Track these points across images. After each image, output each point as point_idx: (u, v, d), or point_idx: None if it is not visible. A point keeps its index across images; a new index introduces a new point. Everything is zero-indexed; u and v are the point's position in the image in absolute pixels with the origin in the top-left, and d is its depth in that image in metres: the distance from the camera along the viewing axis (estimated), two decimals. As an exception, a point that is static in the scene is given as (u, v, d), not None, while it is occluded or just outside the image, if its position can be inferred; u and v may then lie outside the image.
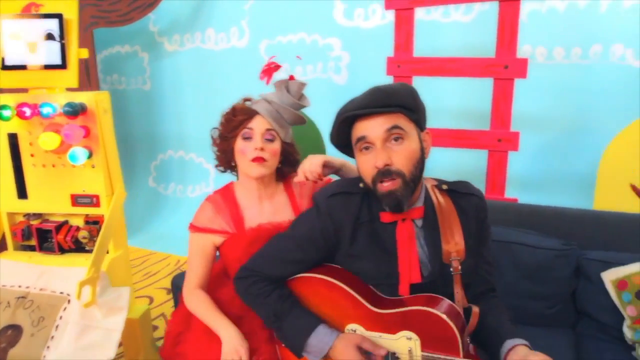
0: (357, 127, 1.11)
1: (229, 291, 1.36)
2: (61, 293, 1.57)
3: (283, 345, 1.21)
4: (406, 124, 1.09)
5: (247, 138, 1.33)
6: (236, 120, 1.34)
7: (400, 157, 1.07)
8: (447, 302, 1.09)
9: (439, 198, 1.18)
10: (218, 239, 1.38)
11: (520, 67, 1.98)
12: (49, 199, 1.69)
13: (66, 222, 1.73)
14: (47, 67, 1.61)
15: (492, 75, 2.04)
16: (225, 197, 1.40)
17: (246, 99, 1.41)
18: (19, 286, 1.60)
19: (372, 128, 1.07)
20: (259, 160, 1.31)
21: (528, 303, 1.66)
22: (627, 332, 1.48)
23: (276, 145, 1.35)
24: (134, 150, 4.17)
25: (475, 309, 1.10)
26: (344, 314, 1.15)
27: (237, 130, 1.34)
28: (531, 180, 2.53)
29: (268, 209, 1.41)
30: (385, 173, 1.06)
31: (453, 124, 2.32)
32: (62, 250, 1.71)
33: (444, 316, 1.03)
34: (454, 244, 1.14)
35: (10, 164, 1.68)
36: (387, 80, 2.26)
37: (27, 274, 1.63)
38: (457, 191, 1.20)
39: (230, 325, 1.31)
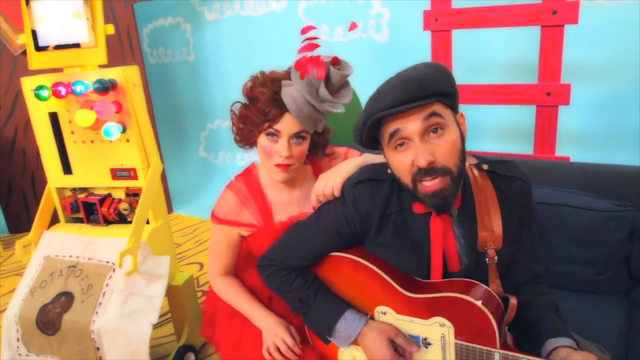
0: (389, 122, 0.97)
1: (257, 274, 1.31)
2: (107, 262, 1.66)
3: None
4: (444, 111, 0.96)
5: (273, 136, 1.18)
6: (260, 114, 1.17)
7: (444, 152, 0.94)
8: (483, 288, 1.01)
9: (477, 180, 1.06)
10: (245, 231, 1.31)
11: (571, 12, 1.79)
12: (91, 174, 1.76)
13: (109, 195, 1.81)
14: (77, 45, 1.65)
15: (539, 23, 1.87)
16: (250, 185, 1.30)
17: (278, 77, 1.20)
18: (70, 256, 1.71)
19: (407, 121, 0.94)
20: (283, 167, 1.19)
21: (577, 269, 1.56)
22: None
23: (305, 145, 1.22)
24: (184, 122, 4.28)
25: (513, 301, 0.99)
26: (372, 297, 1.10)
27: (261, 127, 1.18)
28: (586, 137, 2.32)
29: (297, 197, 1.31)
30: (428, 171, 0.94)
31: (499, 79, 2.17)
32: (107, 222, 1.80)
33: (479, 303, 0.96)
34: (491, 231, 1.03)
35: (54, 141, 1.76)
36: (428, 36, 2.13)
37: (76, 244, 1.73)
38: (499, 173, 1.07)
39: (264, 312, 1.29)
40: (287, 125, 1.17)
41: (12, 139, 3.34)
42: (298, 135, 1.19)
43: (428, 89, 0.93)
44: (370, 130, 1.01)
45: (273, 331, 1.24)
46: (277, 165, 1.19)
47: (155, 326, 2.14)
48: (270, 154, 1.19)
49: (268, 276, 1.20)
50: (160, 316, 2.19)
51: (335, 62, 1.15)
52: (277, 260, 1.18)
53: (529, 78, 2.11)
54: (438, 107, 0.96)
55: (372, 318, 1.11)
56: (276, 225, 1.28)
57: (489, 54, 2.47)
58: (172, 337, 2.08)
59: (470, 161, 1.11)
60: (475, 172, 1.08)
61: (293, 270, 1.17)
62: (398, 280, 1.07)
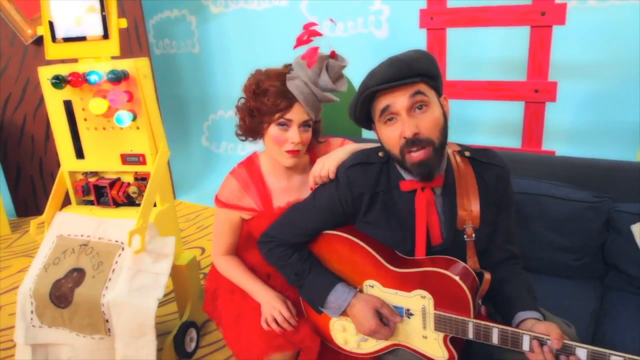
0: (379, 99, 1.10)
1: (258, 252, 1.40)
2: (116, 241, 1.77)
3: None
4: (428, 90, 1.09)
5: (283, 125, 1.28)
6: (272, 106, 1.26)
7: (428, 125, 1.06)
8: (462, 264, 1.12)
9: (459, 164, 1.18)
10: (245, 215, 1.41)
11: (559, 13, 1.89)
12: (102, 159, 1.87)
13: (119, 179, 1.92)
14: (92, 38, 1.75)
15: (528, 23, 1.97)
16: (251, 171, 1.40)
17: (280, 71, 1.31)
18: (81, 235, 1.82)
19: (395, 98, 1.07)
20: (294, 153, 1.29)
21: (556, 255, 1.67)
22: (654, 284, 1.46)
23: (310, 133, 1.33)
24: (187, 112, 4.38)
25: (487, 276, 1.11)
26: (362, 271, 1.21)
27: (272, 117, 1.28)
28: (572, 133, 2.43)
29: (296, 184, 1.41)
30: (414, 142, 1.05)
31: (491, 76, 2.27)
32: (117, 204, 1.91)
33: (457, 278, 1.06)
34: (470, 210, 1.15)
35: (67, 128, 1.86)
36: (425, 33, 2.23)
37: (87, 224, 1.84)
38: (479, 160, 1.19)
39: (263, 287, 1.39)
40: (297, 114, 1.28)
41: (21, 125, 3.44)
42: (306, 123, 1.30)
43: (414, 69, 1.06)
44: (364, 106, 1.13)
45: (271, 304, 1.35)
46: (289, 152, 1.29)
47: (160, 305, 2.26)
48: (282, 141, 1.29)
49: (268, 251, 1.31)
50: (165, 295, 2.31)
51: (333, 55, 1.27)
52: (276, 237, 1.30)
53: (519, 75, 2.21)
54: (423, 87, 1.08)
55: (361, 291, 1.22)
56: (275, 210, 1.39)
57: (482, 52, 2.57)
58: (175, 314, 2.20)
59: (453, 148, 1.22)
60: (458, 158, 1.20)
61: (290, 246, 1.28)
62: (385, 257, 1.18)
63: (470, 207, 1.15)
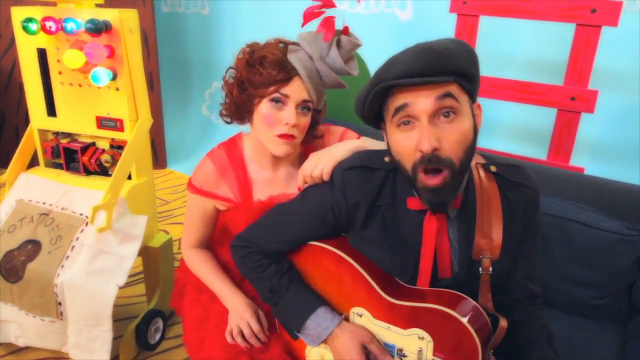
0: (397, 95, 0.86)
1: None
2: (80, 214, 1.57)
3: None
4: (460, 95, 0.85)
5: (278, 102, 1.07)
6: (267, 76, 1.05)
7: (452, 140, 0.83)
8: (472, 303, 0.91)
9: (483, 181, 0.96)
10: (220, 205, 1.21)
11: (612, 13, 1.64)
12: (76, 119, 1.66)
13: (93, 144, 1.71)
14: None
15: (574, 21, 1.72)
16: (232, 156, 1.19)
17: (280, 41, 1.11)
18: (43, 203, 1.62)
19: (418, 97, 0.83)
20: (287, 138, 1.08)
21: (575, 289, 1.46)
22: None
23: (308, 118, 1.11)
24: (189, 77, 4.14)
25: (503, 323, 0.89)
26: (350, 295, 1.00)
27: (266, 91, 1.06)
28: (604, 149, 2.19)
29: (282, 177, 1.21)
30: (431, 160, 0.83)
31: (520, 75, 2.02)
32: (88, 172, 1.70)
33: (465, 321, 0.86)
34: (490, 238, 0.93)
35: (40, 80, 1.65)
36: (454, 18, 1.98)
37: (52, 191, 1.64)
38: (507, 178, 0.97)
39: (233, 292, 1.20)
40: (296, 90, 1.06)
41: (9, 72, 3.22)
42: (304, 105, 1.09)
43: (448, 65, 0.82)
44: (375, 101, 0.90)
45: (239, 313, 1.15)
46: (281, 136, 1.07)
47: (129, 284, 2.09)
48: (273, 122, 1.07)
49: (240, 258, 1.10)
50: (135, 274, 2.12)
51: (346, 32, 1.06)
52: (252, 242, 1.08)
53: (552, 79, 1.97)
54: (455, 89, 0.85)
55: (347, 319, 1.02)
56: (255, 203, 1.18)
57: (514, 47, 2.31)
58: (143, 297, 2.00)
59: (477, 159, 1.00)
60: (482, 172, 0.97)
61: (268, 255, 1.07)
62: (380, 282, 0.97)
63: (491, 235, 0.93)
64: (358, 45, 1.08)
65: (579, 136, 1.87)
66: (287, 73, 1.05)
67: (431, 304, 0.90)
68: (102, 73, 1.49)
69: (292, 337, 1.06)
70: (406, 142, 0.86)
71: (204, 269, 1.26)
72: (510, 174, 0.98)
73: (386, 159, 0.96)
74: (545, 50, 2.22)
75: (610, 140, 2.17)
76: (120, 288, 1.48)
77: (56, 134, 1.73)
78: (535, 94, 1.87)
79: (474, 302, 0.92)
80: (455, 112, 0.84)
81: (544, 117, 2.10)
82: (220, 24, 3.82)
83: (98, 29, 1.45)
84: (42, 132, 1.74)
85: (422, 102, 0.83)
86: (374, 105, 0.91)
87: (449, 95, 0.83)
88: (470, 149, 0.87)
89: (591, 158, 2.18)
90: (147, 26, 3.34)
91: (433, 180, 0.84)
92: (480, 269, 0.94)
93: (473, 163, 0.97)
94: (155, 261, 1.79)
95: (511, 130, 2.42)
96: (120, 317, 1.87)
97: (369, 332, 0.98)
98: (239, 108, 1.13)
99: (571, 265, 1.46)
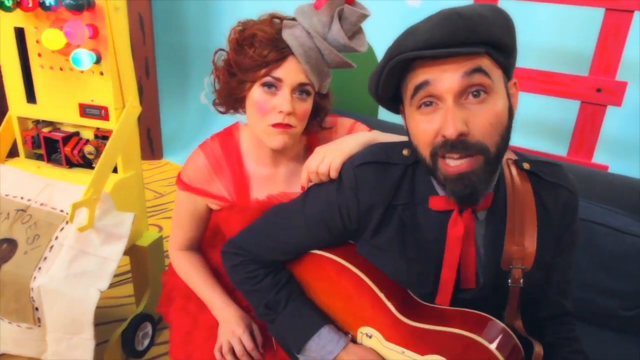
0: (417, 70, 0.73)
1: None
2: (61, 211, 1.43)
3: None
4: (493, 70, 0.72)
5: (271, 87, 0.94)
6: (257, 57, 0.91)
7: (483, 123, 0.71)
8: (500, 326, 0.78)
9: (515, 180, 0.83)
10: (213, 204, 1.08)
11: (647, -4, 1.50)
12: (58, 106, 1.52)
13: (76, 133, 1.57)
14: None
15: (604, 5, 1.58)
16: (227, 149, 1.06)
17: (275, 16, 0.98)
18: (21, 198, 1.48)
19: (442, 72, 0.70)
20: (283, 127, 0.94)
21: (601, 299, 1.35)
22: None
23: (308, 104, 0.97)
24: (187, 64, 3.99)
25: (538, 349, 0.78)
26: (358, 314, 0.87)
27: (257, 74, 0.93)
28: (629, 146, 2.06)
29: (283, 174, 1.07)
30: (456, 145, 0.70)
31: (541, 64, 1.88)
32: (71, 164, 1.56)
33: (494, 349, 0.74)
34: (522, 246, 0.79)
35: (18, 62, 1.50)
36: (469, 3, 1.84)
37: (31, 185, 1.50)
38: (542, 177, 0.84)
39: (224, 301, 1.07)
40: (290, 72, 0.92)
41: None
42: (302, 89, 0.95)
43: (479, 34, 0.69)
44: (391, 78, 0.76)
45: (230, 327, 1.03)
46: (275, 125, 0.94)
47: (116, 284, 1.97)
48: (266, 110, 0.94)
49: (232, 267, 0.97)
50: (123, 273, 2.00)
51: (351, 1, 0.92)
52: (245, 249, 0.95)
53: (576, 70, 1.82)
54: (487, 63, 0.72)
55: (354, 339, 0.88)
56: (252, 202, 1.05)
57: (535, 34, 2.16)
58: (131, 298, 1.87)
59: (507, 155, 0.86)
60: (514, 170, 0.84)
61: (264, 265, 0.94)
62: (394, 299, 0.84)
63: (524, 242, 0.80)
64: (365, 16, 0.93)
65: (604, 131, 1.73)
66: (279, 53, 0.91)
67: (453, 328, 0.77)
68: (84, 55, 1.35)
69: (291, 358, 0.93)
70: (427, 125, 0.73)
71: (192, 274, 1.13)
72: (546, 172, 0.85)
73: (404, 152, 0.83)
74: (569, 39, 2.07)
75: (636, 136, 2.03)
76: (105, 290, 1.36)
77: (37, 122, 1.59)
78: (558, 85, 1.73)
79: (502, 324, 0.79)
80: (487, 90, 0.71)
81: (565, 110, 1.96)
82: (221, 9, 3.67)
83: (79, 5, 1.31)
84: (22, 120, 1.60)
85: (447, 78, 0.70)
86: (390, 83, 0.78)
87: (479, 70, 0.70)
88: (506, 132, 0.74)
89: (614, 155, 2.04)
90: (144, 9, 3.18)
91: (457, 166, 0.71)
92: (509, 280, 0.81)
93: (504, 159, 0.83)
94: (144, 261, 1.66)
95: (529, 124, 2.28)
96: (105, 320, 1.75)
97: (379, 356, 0.85)
98: (229, 95, 1.00)
99: (597, 273, 1.34)
